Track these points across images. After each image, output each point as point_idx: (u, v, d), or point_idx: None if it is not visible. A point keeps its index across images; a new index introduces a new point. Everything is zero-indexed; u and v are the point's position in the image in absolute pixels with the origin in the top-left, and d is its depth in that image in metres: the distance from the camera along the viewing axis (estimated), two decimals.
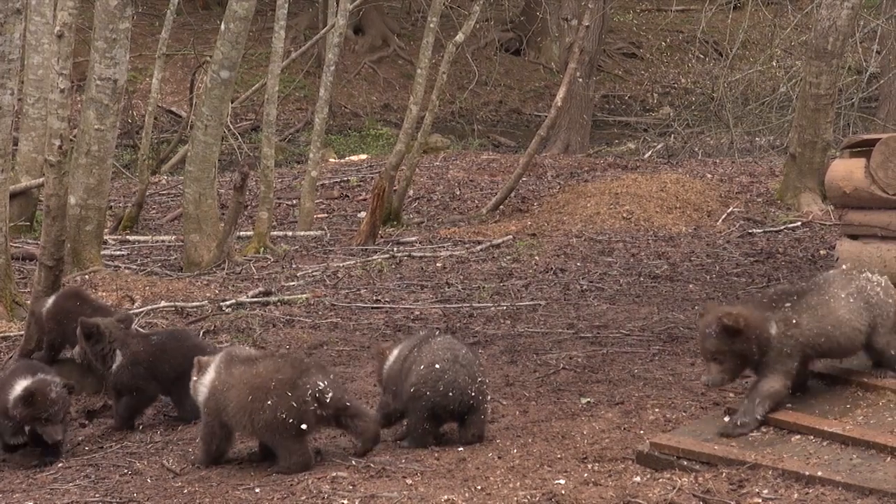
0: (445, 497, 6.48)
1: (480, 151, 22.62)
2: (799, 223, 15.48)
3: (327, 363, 7.98)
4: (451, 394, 7.44)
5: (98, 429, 8.66)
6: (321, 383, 7.23)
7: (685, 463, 6.59)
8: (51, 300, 9.71)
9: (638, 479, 6.50)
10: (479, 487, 6.63)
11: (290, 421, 7.18)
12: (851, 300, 7.14)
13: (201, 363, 7.67)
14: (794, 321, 7.01)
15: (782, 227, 15.33)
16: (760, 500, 6.10)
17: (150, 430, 8.60)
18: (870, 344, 7.16)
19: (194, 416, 8.03)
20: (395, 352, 7.89)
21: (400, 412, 7.73)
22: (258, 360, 7.45)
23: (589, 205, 16.06)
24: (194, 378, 7.65)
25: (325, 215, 17.37)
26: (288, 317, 11.44)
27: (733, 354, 6.94)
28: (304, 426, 7.19)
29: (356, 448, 7.37)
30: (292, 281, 13.01)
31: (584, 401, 8.42)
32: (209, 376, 7.54)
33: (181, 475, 7.35)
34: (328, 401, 7.21)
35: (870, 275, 7.28)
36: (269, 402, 7.20)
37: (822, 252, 14.00)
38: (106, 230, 14.45)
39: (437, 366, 7.51)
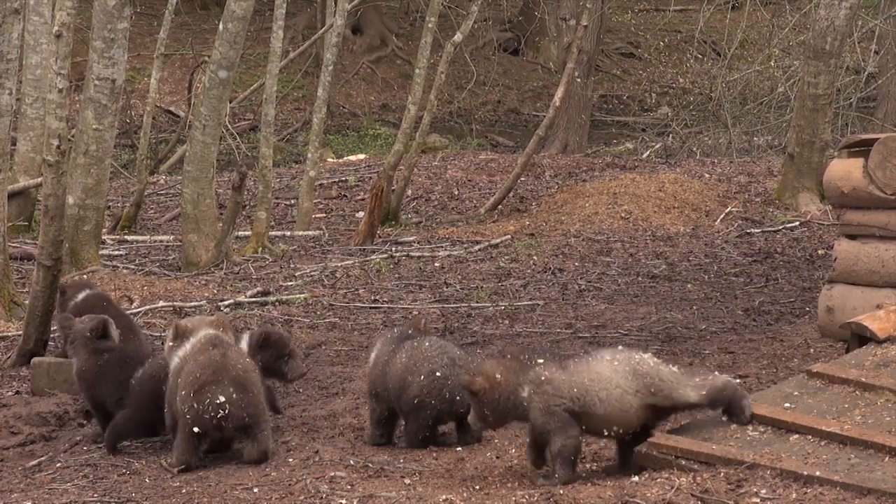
0: (444, 497, 6.48)
1: (479, 151, 22.62)
2: (797, 223, 15.48)
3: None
4: (456, 399, 7.42)
5: (97, 428, 8.64)
6: (222, 398, 7.30)
7: (683, 462, 6.59)
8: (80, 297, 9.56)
9: (636, 478, 6.50)
10: (477, 487, 6.63)
11: (188, 418, 7.31)
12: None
13: (180, 329, 7.70)
14: None
15: (780, 227, 15.34)
16: (759, 500, 6.09)
17: None
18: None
19: None
20: (373, 355, 7.81)
21: (389, 412, 7.70)
22: (214, 349, 7.47)
23: (587, 205, 16.06)
24: (170, 343, 7.69)
25: (324, 215, 17.37)
26: (286, 317, 11.44)
27: None
28: (196, 430, 7.31)
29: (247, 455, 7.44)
30: (290, 281, 13.02)
31: None
32: (183, 349, 7.60)
33: (179, 475, 7.34)
34: (230, 413, 7.30)
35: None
36: (182, 393, 7.36)
37: (820, 252, 14.01)
38: (104, 230, 14.44)
39: (437, 374, 7.47)
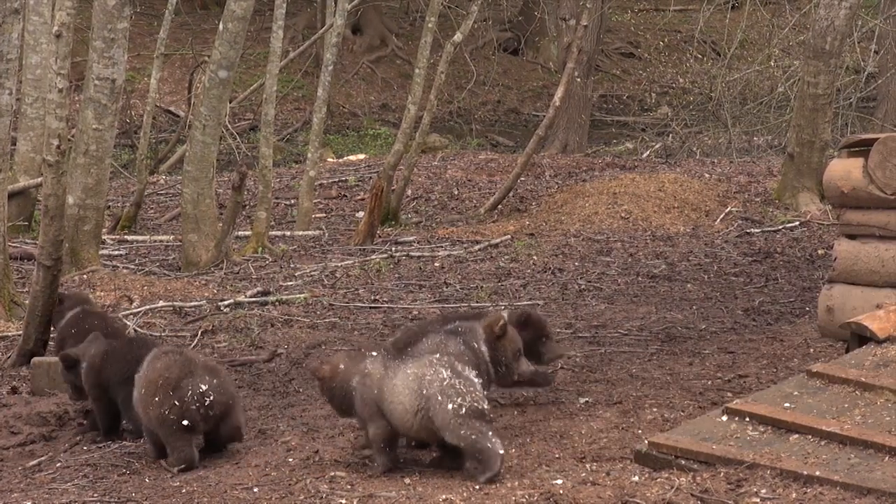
0: (444, 496, 6.48)
1: (478, 151, 22.62)
2: (797, 223, 15.48)
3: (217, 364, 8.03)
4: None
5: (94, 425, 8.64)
6: (203, 386, 7.49)
7: (683, 462, 6.59)
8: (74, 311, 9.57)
9: (636, 478, 6.50)
10: (477, 487, 6.62)
11: (173, 418, 7.44)
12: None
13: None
14: None
15: (780, 227, 15.33)
16: (759, 500, 6.10)
17: None
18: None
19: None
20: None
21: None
22: (162, 357, 7.70)
23: (587, 204, 16.06)
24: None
25: (324, 215, 17.37)
26: (286, 317, 11.44)
27: None
28: (185, 423, 7.44)
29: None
30: (290, 281, 13.02)
31: (582, 400, 8.42)
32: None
33: (179, 475, 7.34)
34: (214, 399, 7.49)
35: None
36: (156, 399, 7.49)
37: (820, 252, 14.01)
38: (104, 230, 14.45)
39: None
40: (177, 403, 7.47)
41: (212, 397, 7.51)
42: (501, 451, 6.75)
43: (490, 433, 6.77)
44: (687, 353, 9.75)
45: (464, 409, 6.75)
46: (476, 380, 6.93)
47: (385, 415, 6.99)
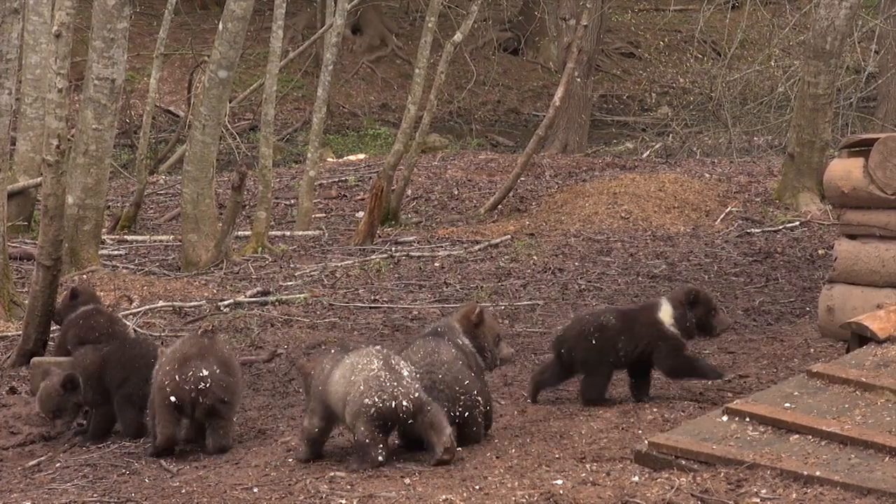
0: (444, 497, 6.47)
1: (479, 151, 22.61)
2: (797, 223, 15.47)
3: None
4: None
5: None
6: (205, 372, 7.60)
7: (683, 462, 6.59)
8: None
9: (636, 478, 6.49)
10: (477, 487, 6.62)
11: (166, 391, 7.59)
12: None
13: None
14: None
15: (781, 227, 15.33)
16: (759, 500, 6.09)
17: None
18: None
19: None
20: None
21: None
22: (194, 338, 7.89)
23: (587, 204, 16.05)
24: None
25: (323, 215, 17.36)
26: (286, 317, 11.44)
27: None
28: (173, 399, 7.57)
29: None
30: (290, 281, 13.01)
31: None
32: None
33: (178, 475, 7.34)
34: (209, 389, 7.58)
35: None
36: (166, 369, 7.68)
37: (820, 252, 14.00)
38: (104, 230, 14.44)
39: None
40: (176, 378, 7.57)
41: (208, 385, 7.55)
42: (381, 460, 6.94)
43: (381, 444, 6.96)
44: None
45: (373, 410, 6.93)
46: (407, 376, 7.06)
47: (329, 408, 7.19)
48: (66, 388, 8.21)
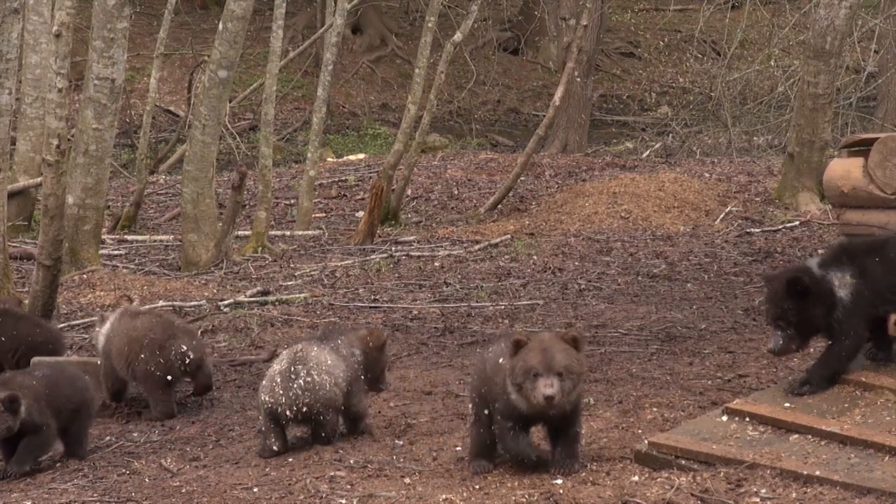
0: (444, 497, 6.47)
1: (478, 151, 22.62)
2: (797, 222, 15.48)
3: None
4: None
5: (96, 428, 8.65)
6: (184, 346, 8.69)
7: (683, 462, 6.59)
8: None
9: (636, 478, 6.49)
10: (477, 487, 6.62)
11: (159, 374, 8.69)
12: None
13: (103, 317, 9.11)
14: None
15: (780, 227, 15.33)
16: (759, 500, 6.09)
17: (148, 430, 8.61)
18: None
19: None
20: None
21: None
22: (140, 317, 8.88)
23: (587, 204, 16.06)
24: (97, 329, 9.11)
25: (323, 215, 17.37)
26: (286, 316, 11.44)
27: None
28: (169, 378, 8.70)
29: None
30: (290, 280, 13.02)
31: (582, 400, 8.40)
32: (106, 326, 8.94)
33: (179, 475, 7.35)
34: (192, 358, 8.69)
35: None
36: (142, 356, 8.67)
37: (819, 251, 14.00)
38: (104, 230, 14.45)
39: None
40: (162, 362, 8.67)
41: (191, 356, 8.71)
42: (275, 450, 7.41)
43: (273, 435, 7.45)
44: (687, 353, 9.74)
45: (266, 407, 7.43)
46: (303, 384, 7.42)
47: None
48: (11, 409, 7.66)
